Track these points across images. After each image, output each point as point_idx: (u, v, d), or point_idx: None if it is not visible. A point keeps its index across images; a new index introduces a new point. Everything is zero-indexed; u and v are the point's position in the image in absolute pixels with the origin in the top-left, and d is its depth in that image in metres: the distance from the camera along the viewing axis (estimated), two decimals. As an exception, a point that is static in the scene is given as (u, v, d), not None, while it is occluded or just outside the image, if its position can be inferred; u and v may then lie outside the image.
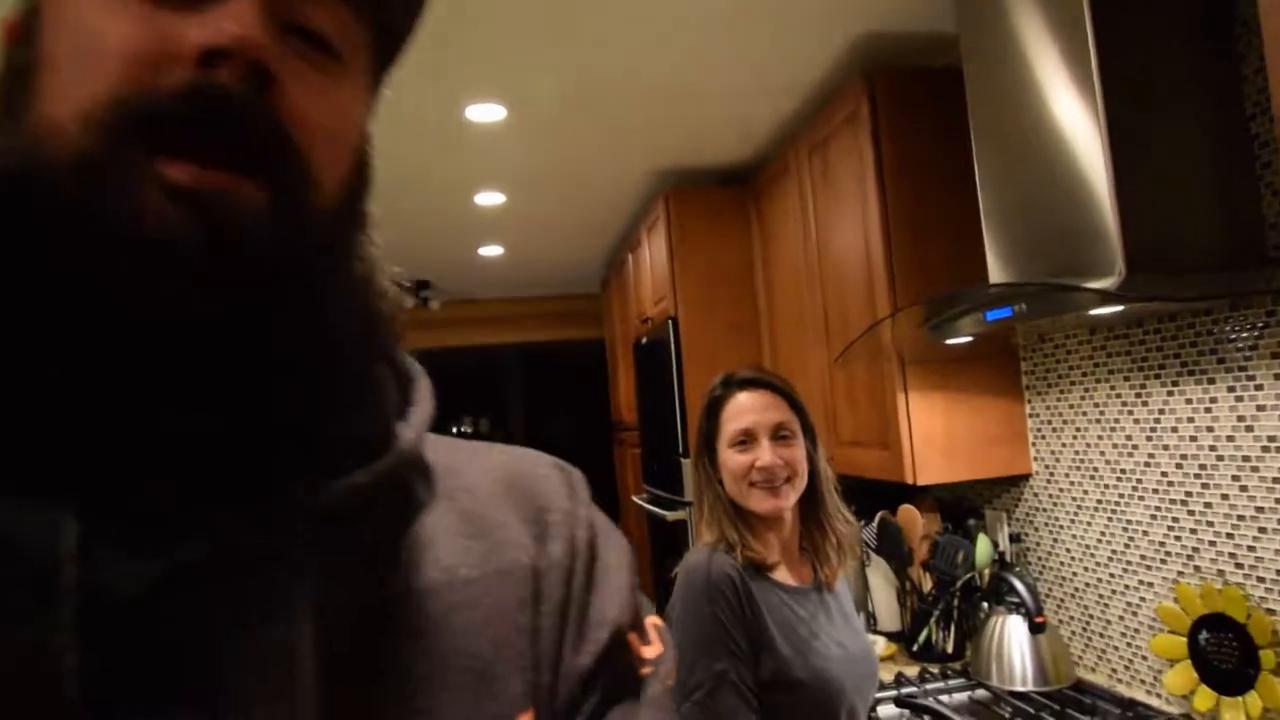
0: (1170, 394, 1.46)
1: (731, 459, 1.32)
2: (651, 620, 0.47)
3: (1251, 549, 1.31)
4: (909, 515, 2.03)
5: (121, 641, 0.30)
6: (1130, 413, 1.55)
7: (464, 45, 1.84)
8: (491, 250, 3.97)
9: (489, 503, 0.45)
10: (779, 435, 1.31)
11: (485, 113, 2.26)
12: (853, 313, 2.00)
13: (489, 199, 3.09)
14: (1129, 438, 1.56)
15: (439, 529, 0.42)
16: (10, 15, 0.36)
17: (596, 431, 8.10)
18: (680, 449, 2.69)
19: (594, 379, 7.65)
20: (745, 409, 1.33)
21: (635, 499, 3.42)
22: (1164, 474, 1.48)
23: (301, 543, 0.33)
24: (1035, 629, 1.54)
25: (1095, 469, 1.65)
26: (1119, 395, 1.58)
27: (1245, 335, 1.30)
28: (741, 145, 2.69)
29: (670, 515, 2.69)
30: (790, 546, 1.34)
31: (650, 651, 0.46)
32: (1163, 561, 1.50)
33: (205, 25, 0.32)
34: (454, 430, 8.83)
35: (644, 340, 3.18)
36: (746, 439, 1.31)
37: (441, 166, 2.69)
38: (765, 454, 1.29)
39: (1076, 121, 1.27)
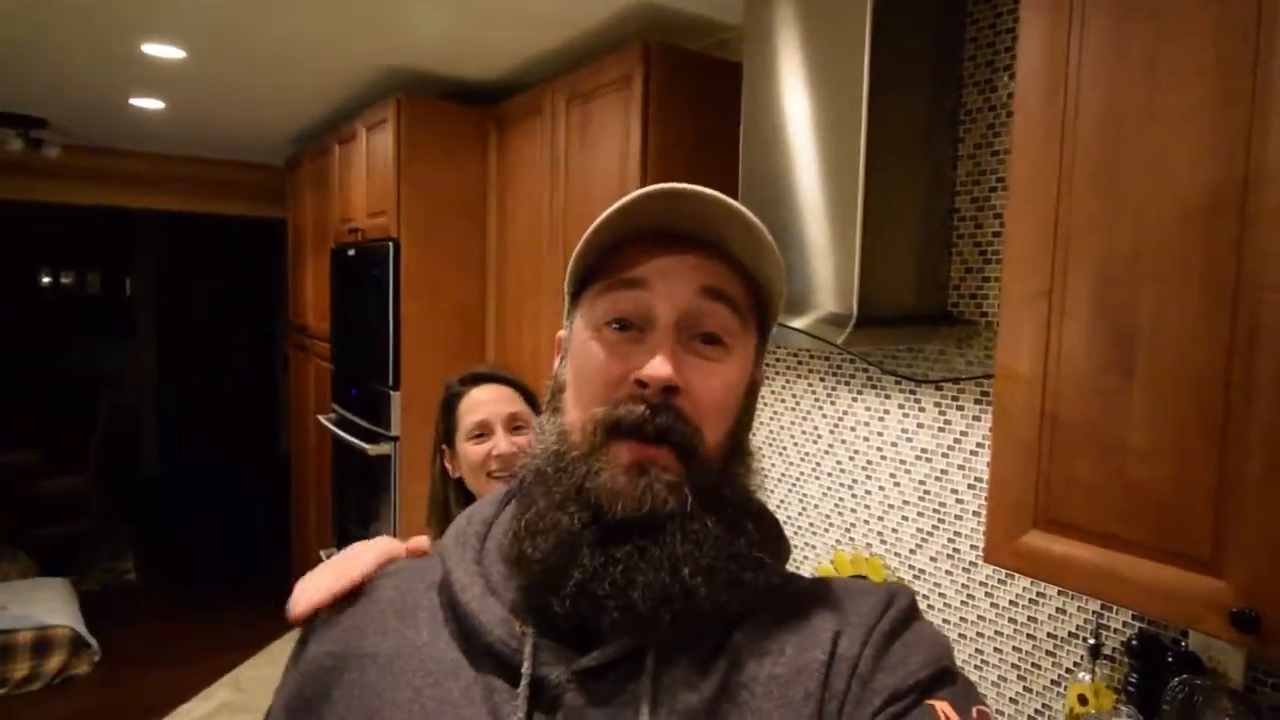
0: (854, 400, 1.76)
1: (470, 451, 1.35)
2: (979, 708, 0.53)
3: (895, 531, 1.68)
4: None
5: (548, 708, 0.52)
6: (820, 408, 1.85)
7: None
8: (149, 103, 3.22)
9: (812, 615, 0.56)
10: (514, 426, 1.36)
11: (185, -37, 1.81)
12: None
13: (162, 51, 2.49)
14: (816, 428, 1.86)
15: (766, 637, 0.55)
16: (560, 334, 0.65)
17: (259, 323, 7.25)
18: (390, 381, 2.55)
19: (264, 263, 6.78)
20: (480, 402, 1.37)
21: (320, 418, 3.18)
22: (838, 462, 1.81)
23: (651, 656, 0.53)
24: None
25: (784, 448, 1.95)
26: (814, 392, 1.86)
27: (918, 369, 1.61)
28: (489, 64, 2.51)
29: (372, 449, 2.56)
30: None
31: None
32: (826, 530, 1.84)
33: (645, 366, 0.54)
34: (45, 280, 7.20)
35: (350, 252, 2.89)
36: (483, 431, 1.35)
37: (108, 5, 2.09)
38: (501, 442, 1.34)
39: (841, 171, 1.42)
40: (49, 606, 3.73)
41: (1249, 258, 0.88)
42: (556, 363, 0.65)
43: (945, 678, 0.54)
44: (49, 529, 4.99)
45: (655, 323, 0.56)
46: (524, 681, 0.52)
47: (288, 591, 0.62)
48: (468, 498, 1.37)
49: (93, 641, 3.66)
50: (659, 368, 0.54)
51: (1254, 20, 0.88)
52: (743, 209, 0.56)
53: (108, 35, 2.35)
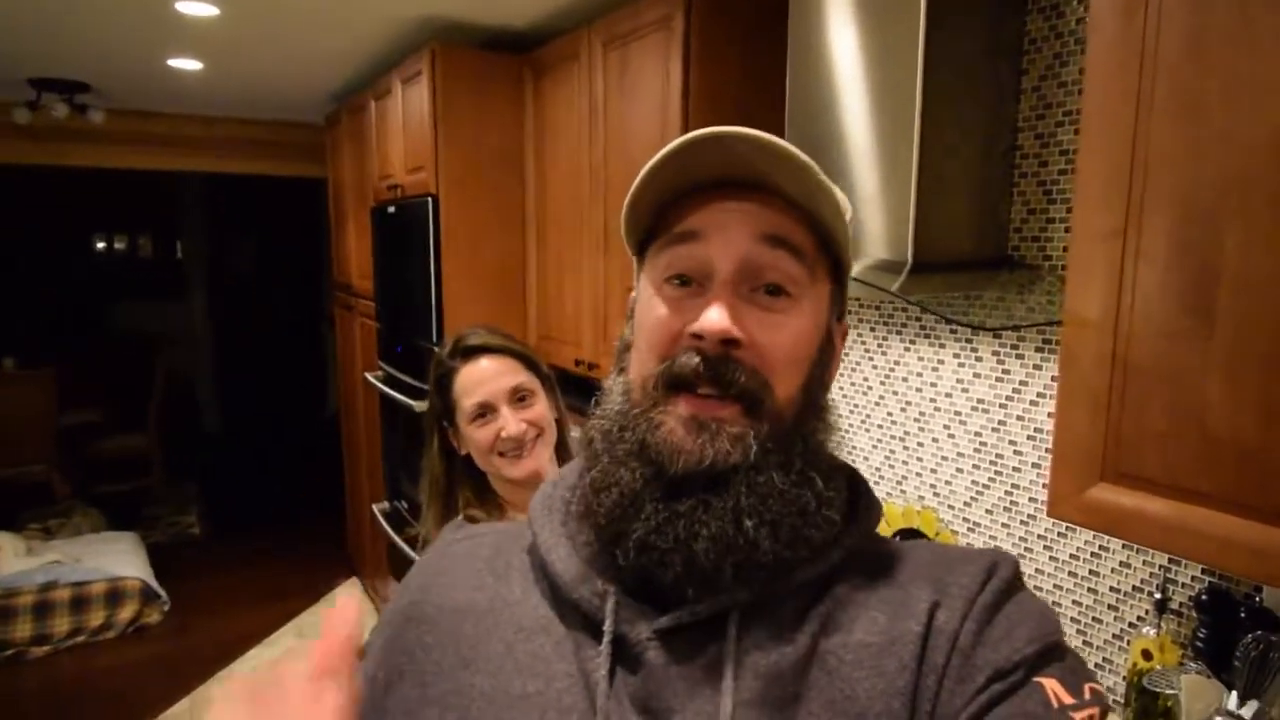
0: (907, 350, 1.71)
1: (476, 435, 1.25)
2: (1091, 685, 0.50)
3: (948, 484, 1.64)
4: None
5: (631, 665, 0.52)
6: (870, 359, 1.80)
7: None
8: (186, 63, 3.23)
9: (907, 583, 0.54)
10: (518, 398, 1.27)
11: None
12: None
13: (195, 9, 2.48)
14: (866, 379, 1.82)
15: (855, 603, 0.54)
16: (631, 295, 0.64)
17: (305, 282, 7.36)
18: (434, 338, 2.55)
19: (308, 222, 6.84)
20: (477, 380, 1.26)
21: (368, 375, 3.22)
22: (889, 414, 1.76)
23: (734, 618, 0.52)
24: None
25: (832, 399, 1.90)
26: (864, 342, 1.81)
27: (975, 317, 1.55)
28: (524, 10, 2.44)
29: (418, 405, 2.58)
30: None
31: (1080, 714, 0.48)
32: (876, 483, 1.81)
33: (700, 318, 0.53)
34: (99, 245, 7.39)
35: (390, 208, 2.89)
36: (486, 411, 1.25)
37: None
38: (510, 423, 1.24)
39: (895, 108, 1.35)
40: (120, 559, 3.90)
41: (1352, 188, 0.81)
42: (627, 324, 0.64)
43: (1054, 653, 0.51)
44: (115, 485, 5.21)
45: (714, 275, 0.54)
46: (606, 639, 0.53)
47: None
48: (477, 476, 1.29)
49: (162, 592, 3.83)
50: (713, 319, 0.52)
51: (1367, -79, 0.79)
52: (793, 149, 0.52)
53: (143, -5, 2.34)
